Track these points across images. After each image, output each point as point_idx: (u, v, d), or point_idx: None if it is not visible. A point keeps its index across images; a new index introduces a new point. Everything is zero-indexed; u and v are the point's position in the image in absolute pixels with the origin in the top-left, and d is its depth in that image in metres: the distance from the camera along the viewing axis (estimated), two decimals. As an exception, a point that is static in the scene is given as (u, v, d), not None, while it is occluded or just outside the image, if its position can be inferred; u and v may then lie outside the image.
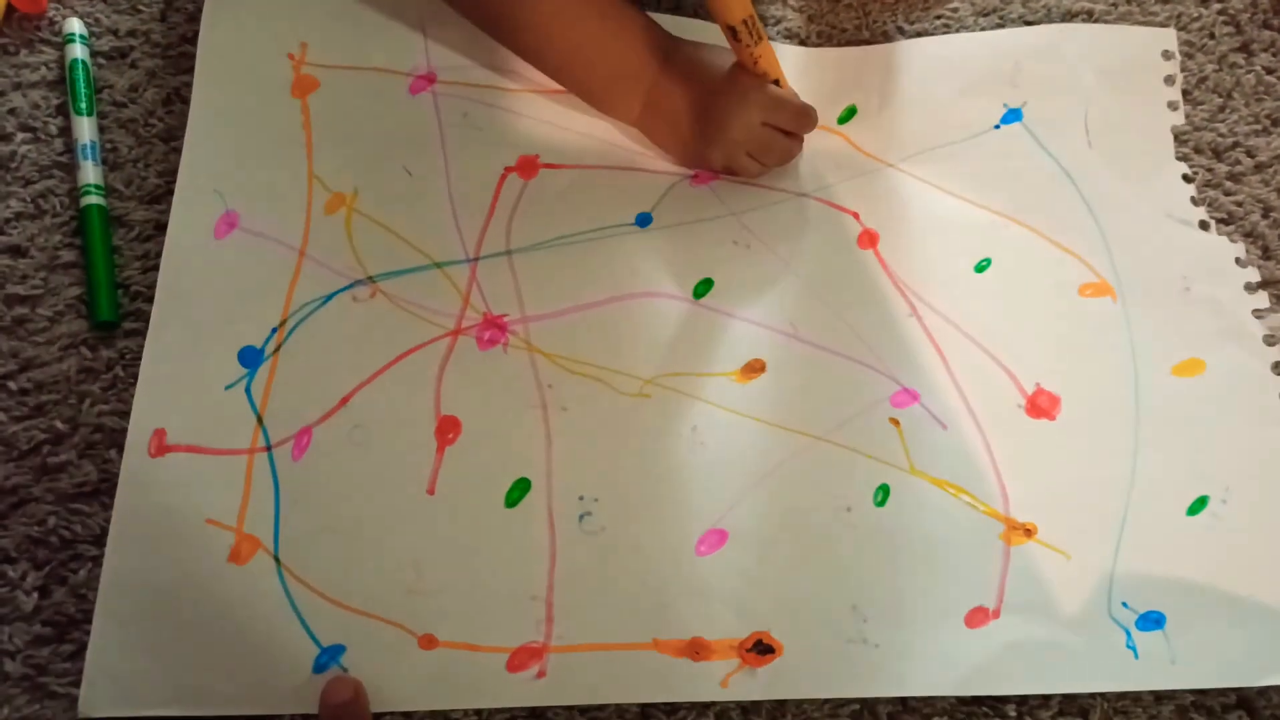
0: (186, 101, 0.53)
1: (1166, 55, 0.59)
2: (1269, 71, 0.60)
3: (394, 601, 0.42)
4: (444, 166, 0.52)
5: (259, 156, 0.51)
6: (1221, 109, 0.59)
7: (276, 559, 0.43)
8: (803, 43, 0.58)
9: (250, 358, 0.47)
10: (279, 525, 0.43)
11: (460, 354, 0.47)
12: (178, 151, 0.52)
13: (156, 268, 0.49)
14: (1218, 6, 0.62)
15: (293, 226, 0.50)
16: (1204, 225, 0.54)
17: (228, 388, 0.46)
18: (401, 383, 0.47)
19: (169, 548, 0.43)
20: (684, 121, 0.51)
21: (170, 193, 0.51)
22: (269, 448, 0.45)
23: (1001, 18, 0.60)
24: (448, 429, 0.46)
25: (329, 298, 0.48)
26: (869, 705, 0.44)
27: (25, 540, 0.44)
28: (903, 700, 0.44)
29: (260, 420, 0.45)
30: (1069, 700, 0.44)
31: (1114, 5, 0.61)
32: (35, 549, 0.44)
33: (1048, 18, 0.60)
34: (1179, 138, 0.57)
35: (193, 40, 0.55)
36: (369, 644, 0.42)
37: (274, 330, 0.47)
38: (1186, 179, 0.55)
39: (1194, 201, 0.55)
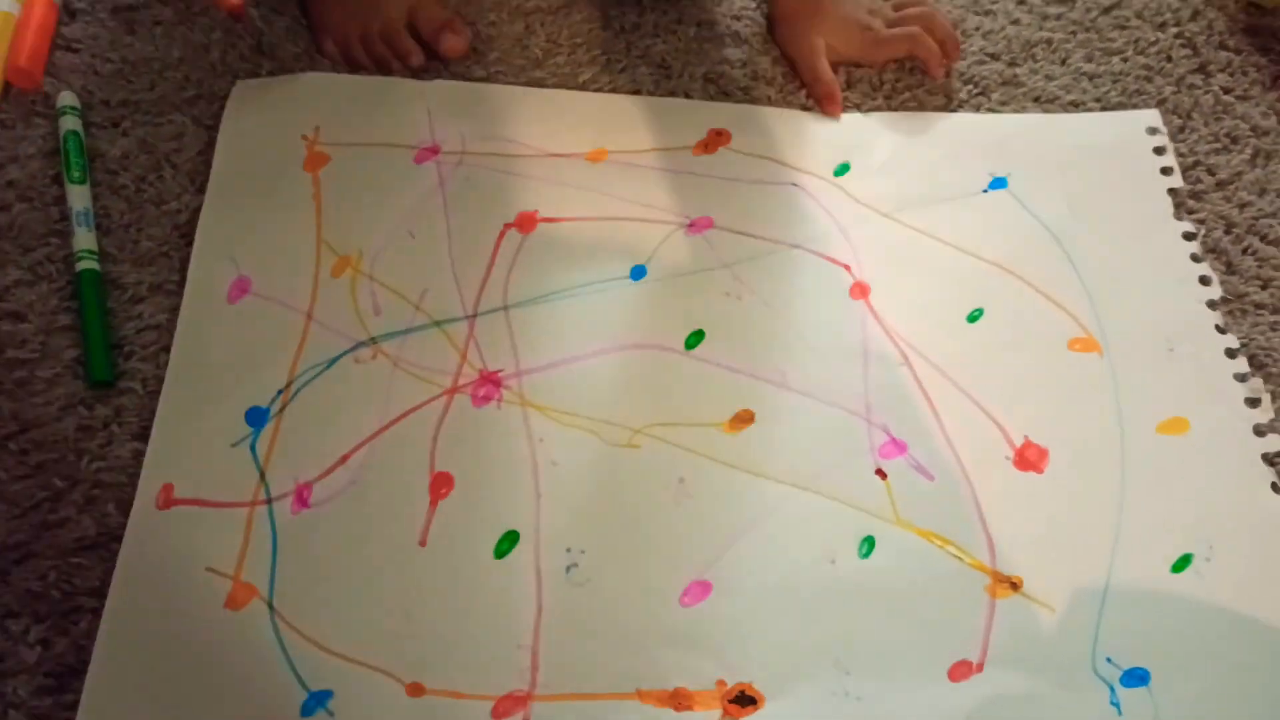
0: (175, 166, 0.55)
1: (1152, 131, 0.59)
2: (1226, 91, 0.60)
3: (383, 649, 0.43)
4: (446, 227, 0.53)
5: (271, 225, 0.53)
6: (1181, 129, 0.59)
7: (271, 606, 0.43)
8: (804, 107, 0.60)
9: (256, 417, 0.48)
10: (275, 574, 0.44)
11: (455, 412, 0.48)
12: (168, 215, 0.54)
13: (150, 327, 0.50)
14: (1174, 30, 0.62)
15: (301, 290, 0.51)
16: (1204, 280, 0.54)
17: (234, 445, 0.47)
18: (398, 441, 0.47)
19: (168, 593, 0.43)
20: None
21: (164, 254, 0.52)
22: (269, 501, 0.46)
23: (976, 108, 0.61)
24: (441, 484, 0.46)
25: (332, 361, 0.49)
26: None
27: (26, 594, 0.44)
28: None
29: (263, 476, 0.46)
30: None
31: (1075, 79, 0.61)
32: (36, 603, 0.44)
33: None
34: (1172, 194, 0.57)
35: (181, 108, 0.57)
36: (357, 690, 0.42)
37: (279, 392, 0.48)
38: (1188, 237, 0.55)
39: (1194, 258, 0.55)
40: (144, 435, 0.48)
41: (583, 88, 0.60)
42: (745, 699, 0.43)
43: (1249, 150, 0.59)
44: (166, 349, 0.50)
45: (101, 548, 0.45)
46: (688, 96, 0.60)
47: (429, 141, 0.56)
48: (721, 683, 0.43)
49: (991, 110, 0.60)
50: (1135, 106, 0.60)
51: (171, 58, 0.59)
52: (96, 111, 0.57)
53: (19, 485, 0.47)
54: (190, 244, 0.53)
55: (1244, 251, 0.56)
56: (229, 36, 0.60)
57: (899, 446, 0.49)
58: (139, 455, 0.47)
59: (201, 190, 0.55)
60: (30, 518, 0.46)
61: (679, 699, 0.43)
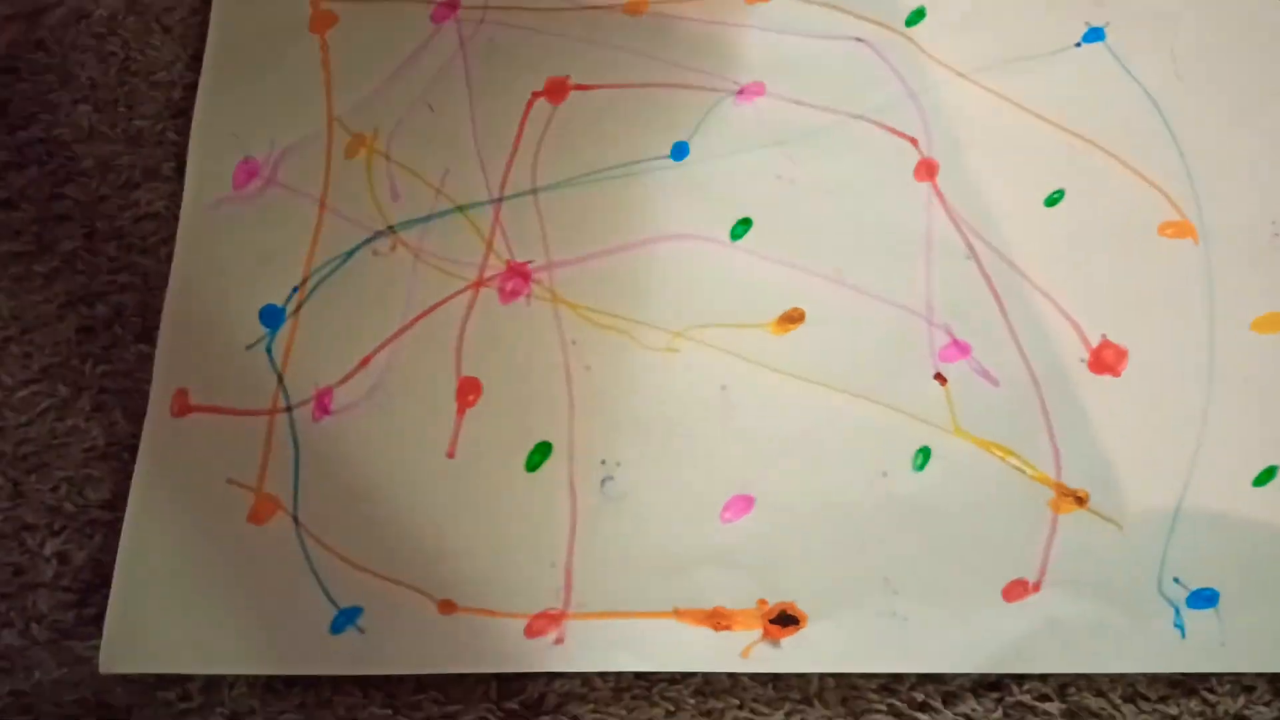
0: (168, 29, 0.51)
1: None
2: None
3: (413, 565, 0.42)
4: (468, 99, 0.49)
5: (277, 98, 0.49)
6: None
7: (296, 520, 0.42)
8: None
9: (271, 317, 0.45)
10: (298, 487, 0.43)
11: (482, 308, 0.45)
12: (162, 88, 0.50)
13: (148, 216, 0.48)
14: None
15: (313, 174, 0.47)
16: None
17: (249, 347, 0.45)
18: (422, 342, 0.45)
19: (189, 507, 0.43)
20: None
21: (159, 133, 0.49)
22: (289, 408, 0.44)
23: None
24: (468, 391, 0.44)
25: (350, 254, 0.46)
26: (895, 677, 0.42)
27: (41, 507, 0.44)
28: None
29: (281, 380, 0.44)
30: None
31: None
32: (51, 516, 0.44)
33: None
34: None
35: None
36: (387, 607, 0.41)
37: (295, 289, 0.46)
38: None
39: None
40: (149, 337, 0.46)
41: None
42: (787, 619, 0.42)
43: None
44: (167, 240, 0.47)
45: (112, 458, 0.44)
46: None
47: None
48: (763, 602, 0.42)
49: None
50: None
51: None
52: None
53: (24, 391, 0.45)
54: (187, 121, 0.49)
55: None
56: None
57: (962, 349, 0.45)
58: (144, 359, 0.45)
59: (197, 58, 0.50)
60: (37, 426, 0.45)
61: (718, 618, 0.42)
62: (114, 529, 0.43)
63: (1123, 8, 0.50)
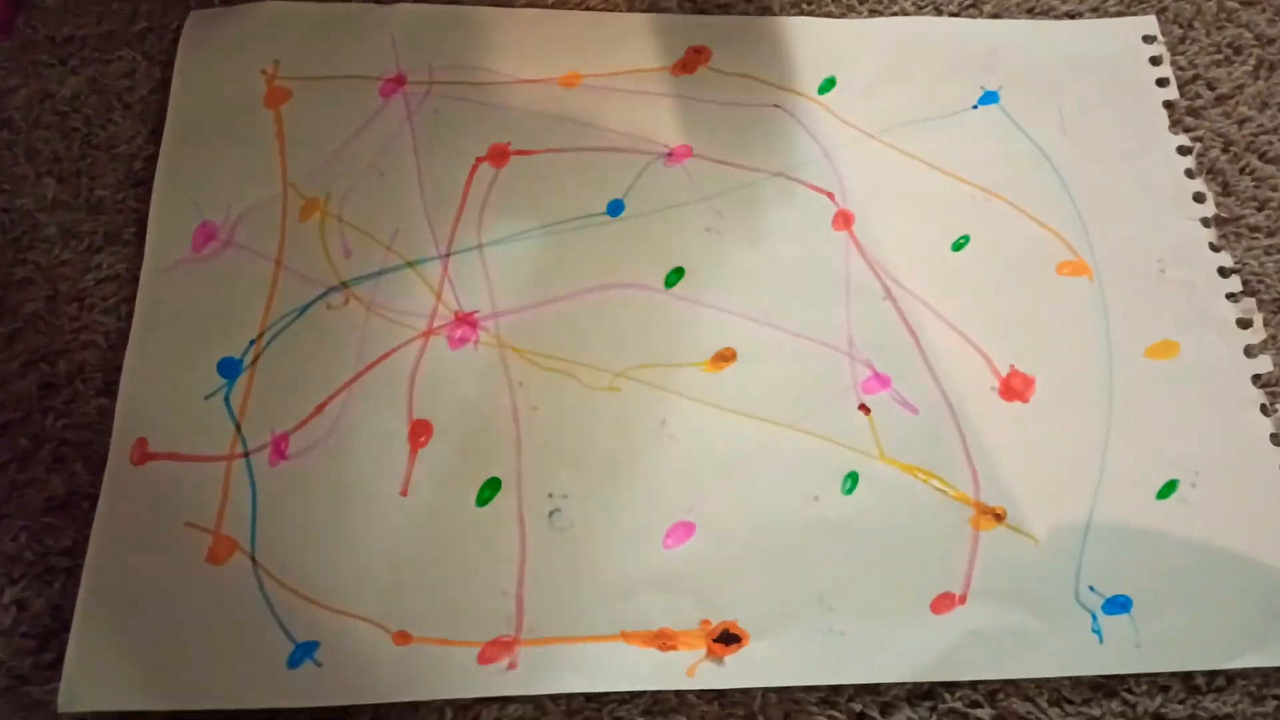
0: (128, 106, 0.54)
1: (1148, 39, 0.57)
2: None
3: (368, 599, 0.43)
4: (416, 164, 0.52)
5: (234, 167, 0.52)
6: (1181, 40, 0.57)
7: (253, 559, 0.44)
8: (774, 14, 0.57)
9: (229, 369, 0.47)
10: (255, 527, 0.44)
11: (432, 355, 0.48)
12: (122, 160, 0.52)
13: (109, 279, 0.49)
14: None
15: (269, 235, 0.50)
16: (1199, 198, 0.53)
17: (207, 398, 0.47)
18: (375, 388, 0.47)
19: (148, 549, 0.44)
20: None
21: (119, 201, 0.51)
22: (247, 454, 0.46)
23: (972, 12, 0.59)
24: (420, 432, 0.46)
25: (305, 308, 0.49)
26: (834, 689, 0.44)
27: (1, 556, 0.45)
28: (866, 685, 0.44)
29: (239, 428, 0.46)
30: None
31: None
32: (10, 565, 0.45)
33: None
34: (1168, 107, 0.55)
35: (131, 43, 0.55)
36: (343, 640, 0.42)
37: (252, 342, 0.48)
38: (1183, 151, 0.54)
39: (1189, 174, 0.54)
40: (109, 391, 0.48)
41: (553, 7, 0.57)
42: (729, 637, 0.44)
43: (1252, 61, 0.57)
44: (127, 300, 0.49)
45: (72, 506, 0.46)
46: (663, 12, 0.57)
47: (394, 71, 0.54)
48: (706, 622, 0.44)
49: (981, 18, 0.58)
50: (1134, 14, 0.58)
51: (120, -14, 0.57)
52: (42, 49, 0.55)
53: (-15, 444, 0.47)
54: (147, 190, 0.51)
55: (1241, 171, 0.54)
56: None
57: (882, 381, 0.49)
58: (105, 412, 0.47)
59: (156, 132, 0.53)
60: (-1, 477, 0.46)
61: (663, 639, 0.44)
62: (73, 576, 0.44)
63: (1012, 73, 0.56)
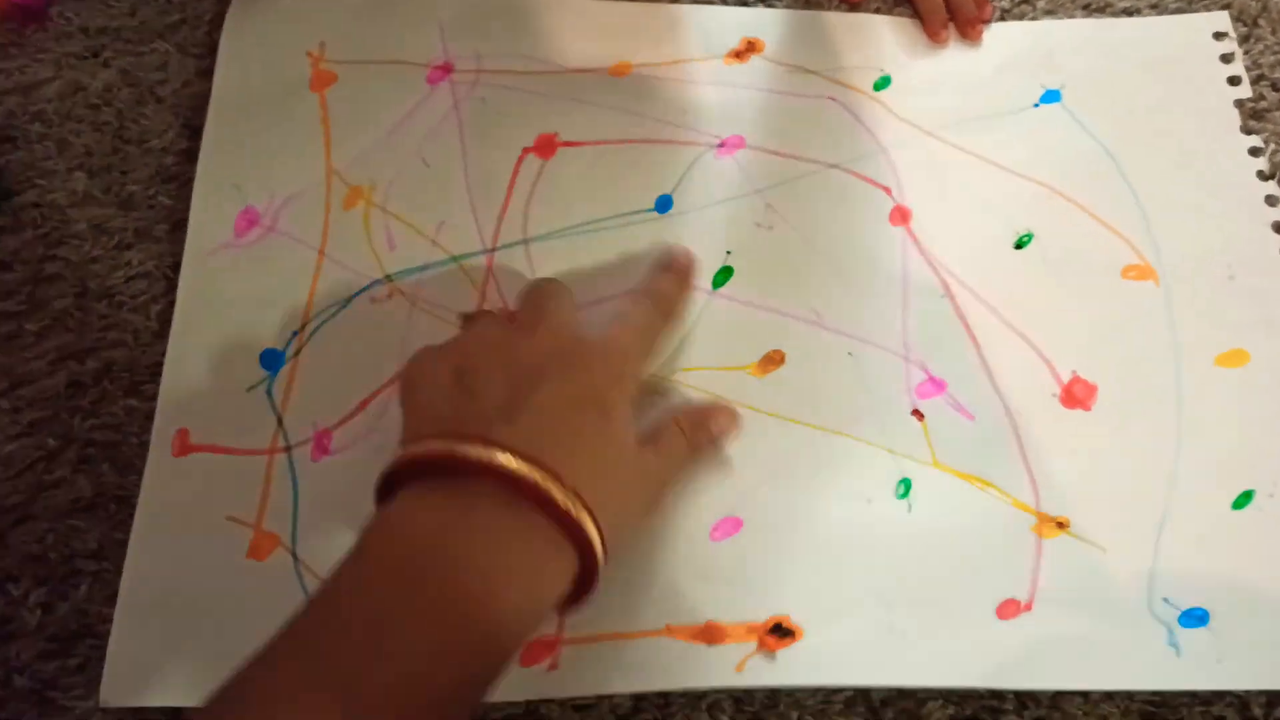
0: (160, 100, 0.56)
1: (1219, 36, 0.58)
2: None
3: (408, 598, 0.45)
4: (462, 154, 0.54)
5: (278, 150, 0.54)
6: (1246, 38, 0.58)
7: (294, 555, 0.45)
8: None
9: (271, 360, 0.49)
10: (297, 523, 0.46)
11: (477, 353, 0.50)
12: (154, 154, 0.55)
13: (139, 276, 0.52)
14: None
15: (312, 223, 0.52)
16: (1271, 201, 0.54)
17: (249, 389, 0.49)
18: None
19: (190, 543, 0.46)
20: None
21: (149, 198, 0.54)
22: (289, 448, 0.47)
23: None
24: None
25: (348, 301, 0.51)
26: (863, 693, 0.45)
27: (26, 558, 0.47)
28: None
29: (280, 421, 0.48)
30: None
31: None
32: (36, 566, 0.47)
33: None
34: (1240, 106, 0.57)
35: (164, 35, 0.58)
36: (384, 639, 0.45)
37: (295, 334, 0.50)
38: (1254, 152, 0.55)
39: (1261, 176, 0.55)
40: (137, 391, 0.50)
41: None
42: (782, 631, 0.45)
43: None
44: (156, 298, 0.52)
45: (99, 509, 0.47)
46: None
47: (441, 59, 0.56)
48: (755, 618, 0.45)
49: (1037, 19, 0.60)
50: (1197, 10, 0.60)
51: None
52: (74, 40, 0.57)
53: (12, 445, 0.49)
54: (179, 186, 0.54)
55: None
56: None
57: (937, 385, 0.50)
58: (132, 412, 0.49)
59: (188, 126, 0.55)
60: (25, 478, 0.48)
61: (710, 633, 0.45)
62: (99, 579, 0.46)
63: (1075, 71, 0.57)
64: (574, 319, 0.45)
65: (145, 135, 0.56)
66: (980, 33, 0.58)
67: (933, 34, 0.58)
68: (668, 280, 0.49)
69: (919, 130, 0.56)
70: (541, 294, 0.45)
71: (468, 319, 0.48)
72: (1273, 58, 0.58)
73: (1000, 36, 0.59)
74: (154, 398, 0.49)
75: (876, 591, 0.46)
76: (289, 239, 0.52)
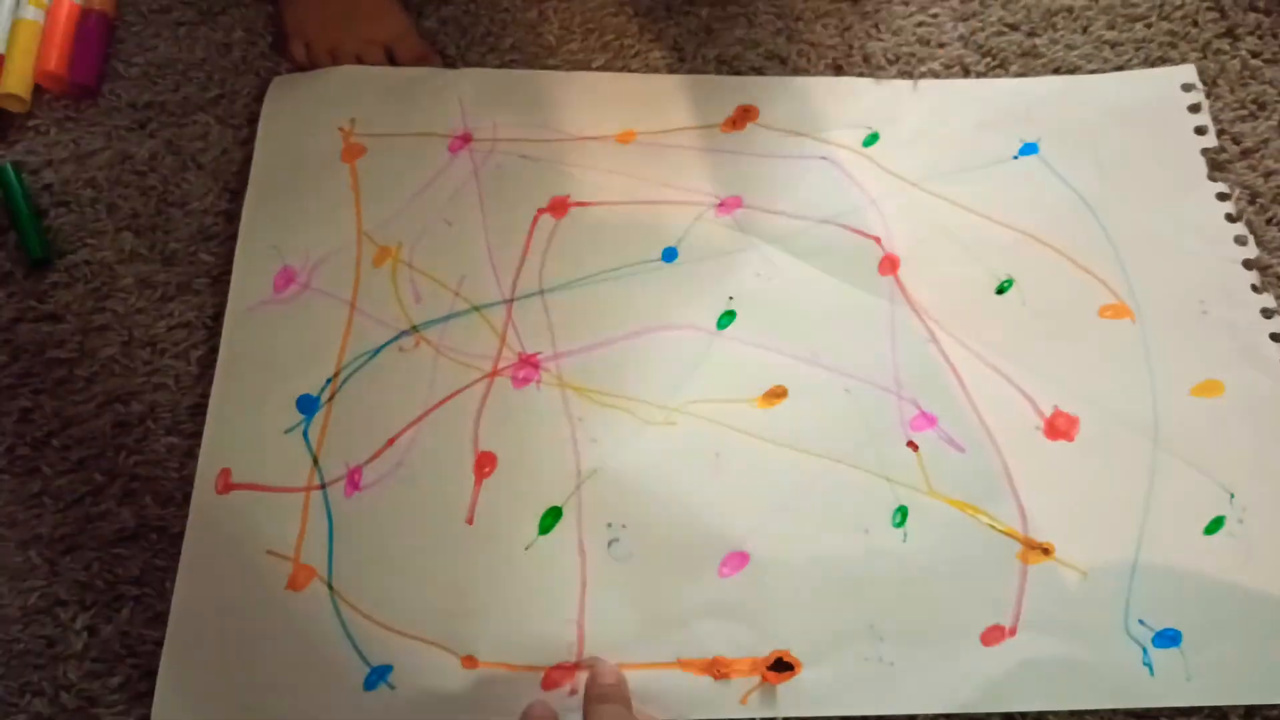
0: (201, 166, 0.61)
1: (1187, 88, 0.63)
2: (1254, 55, 0.64)
3: (437, 624, 0.48)
4: (481, 215, 0.59)
5: (313, 216, 0.59)
6: (1206, 96, 0.63)
7: (330, 586, 0.49)
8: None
9: (307, 405, 0.53)
10: (332, 556, 0.50)
11: (497, 394, 0.53)
12: (194, 216, 0.60)
13: (180, 325, 0.57)
14: (1201, -8, 0.65)
15: (344, 280, 0.57)
16: (1240, 240, 0.58)
17: (287, 432, 0.53)
18: (443, 424, 0.53)
19: (233, 575, 0.49)
20: None
21: (190, 254, 0.59)
22: (324, 485, 0.51)
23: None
24: (484, 464, 0.52)
25: (378, 350, 0.55)
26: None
27: (74, 584, 0.51)
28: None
29: (316, 461, 0.52)
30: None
31: (1098, 47, 0.65)
32: (83, 592, 0.51)
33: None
34: (1206, 154, 0.61)
35: (205, 108, 0.63)
36: (415, 664, 0.47)
37: (328, 380, 0.54)
38: (1222, 197, 0.59)
39: (1229, 218, 0.59)
40: (178, 430, 0.54)
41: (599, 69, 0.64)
42: (782, 665, 0.48)
43: (1276, 116, 0.62)
44: (196, 345, 0.56)
45: (141, 538, 0.52)
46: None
47: (461, 130, 0.61)
48: (758, 653, 0.48)
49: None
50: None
51: (194, 58, 0.65)
52: (124, 114, 0.63)
53: (62, 480, 0.53)
54: (218, 244, 0.59)
55: (1268, 222, 0.59)
56: (249, 35, 0.65)
57: (929, 419, 0.53)
58: (173, 449, 0.54)
59: (227, 190, 0.61)
60: (74, 511, 0.52)
61: (718, 667, 0.48)
62: (141, 603, 0.50)
63: (1051, 125, 0.62)
64: None
65: (187, 198, 0.61)
66: None
67: None
68: (614, 713, 0.46)
69: (905, 182, 0.60)
70: None
71: None
72: (1231, 114, 0.63)
73: (980, 94, 0.64)
74: (192, 436, 0.54)
75: (869, 624, 0.49)
76: (323, 294, 0.57)
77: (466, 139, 0.61)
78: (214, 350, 0.56)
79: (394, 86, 0.63)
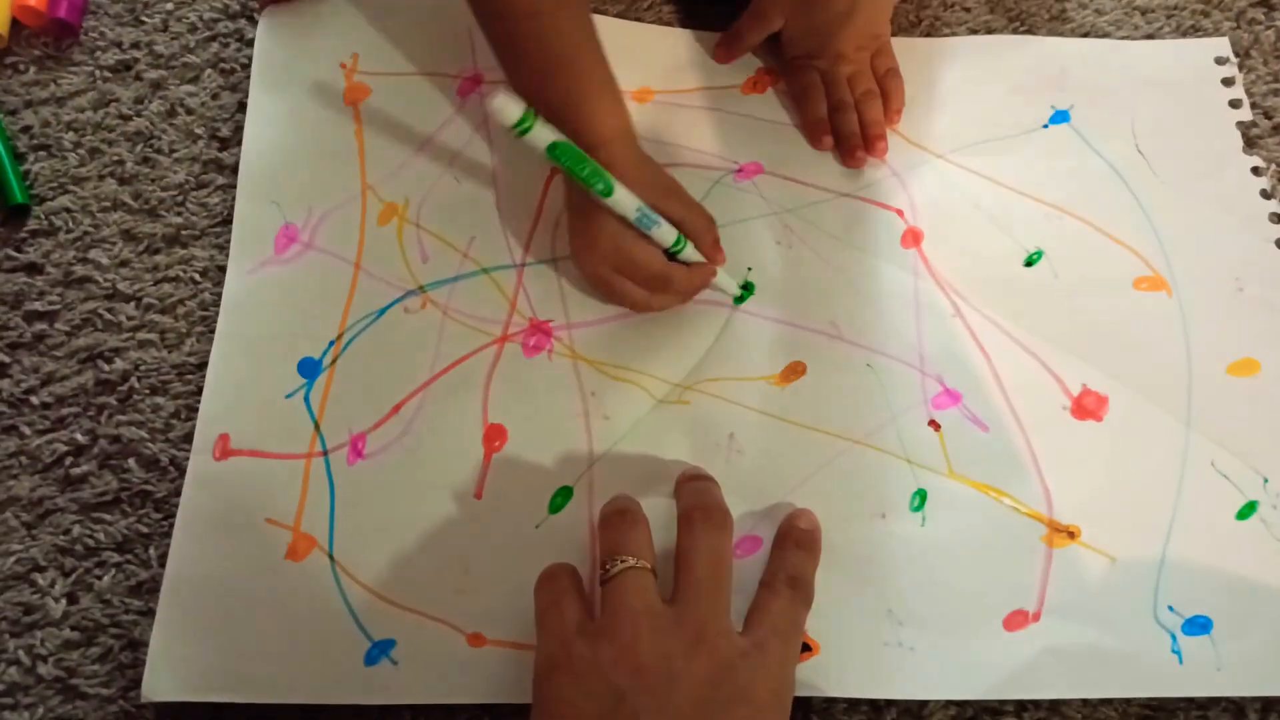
0: (191, 111, 0.59)
1: (1220, 60, 0.62)
2: None
3: (443, 600, 0.47)
4: (492, 171, 0.56)
5: (314, 165, 0.56)
6: (1239, 68, 0.62)
7: (331, 557, 0.47)
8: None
9: (309, 369, 0.51)
10: (334, 525, 0.48)
11: (507, 361, 0.52)
12: (184, 163, 0.57)
13: (166, 280, 0.54)
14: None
15: (348, 239, 0.54)
16: (1275, 218, 0.57)
17: (288, 396, 0.51)
18: (451, 391, 0.51)
19: (230, 544, 0.47)
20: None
21: (179, 204, 0.56)
22: (325, 452, 0.49)
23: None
24: (494, 437, 0.50)
25: (382, 311, 0.53)
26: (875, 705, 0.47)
27: (53, 549, 0.49)
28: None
29: (317, 427, 0.50)
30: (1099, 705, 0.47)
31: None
32: (62, 557, 0.49)
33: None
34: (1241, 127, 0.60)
35: (194, 50, 0.60)
36: (419, 640, 0.46)
37: (331, 343, 0.52)
38: (1257, 171, 0.58)
39: (1264, 194, 0.58)
40: (164, 390, 0.52)
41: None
42: (801, 646, 0.46)
43: None
44: (183, 301, 0.54)
45: (124, 503, 0.50)
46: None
47: (471, 70, 0.59)
48: None
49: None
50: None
51: (182, -9, 0.61)
52: (108, 53, 0.60)
53: (41, 440, 0.51)
54: (207, 193, 0.56)
55: None
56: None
57: (953, 397, 0.52)
58: (158, 410, 0.52)
59: (216, 137, 0.58)
60: (54, 473, 0.50)
61: None
62: (122, 571, 0.48)
63: (1084, 91, 0.60)
64: (730, 621, 0.42)
65: (174, 145, 0.58)
66: (863, 161, 0.58)
67: (814, 142, 0.59)
68: (802, 561, 0.47)
69: (930, 154, 0.59)
70: (700, 591, 0.42)
71: (610, 578, 0.43)
72: (1265, 87, 0.62)
73: (1011, 55, 0.62)
74: (179, 397, 0.52)
75: (887, 609, 0.48)
76: (326, 254, 0.54)
77: (477, 80, 0.59)
78: (203, 307, 0.54)
79: (397, 19, 0.60)
